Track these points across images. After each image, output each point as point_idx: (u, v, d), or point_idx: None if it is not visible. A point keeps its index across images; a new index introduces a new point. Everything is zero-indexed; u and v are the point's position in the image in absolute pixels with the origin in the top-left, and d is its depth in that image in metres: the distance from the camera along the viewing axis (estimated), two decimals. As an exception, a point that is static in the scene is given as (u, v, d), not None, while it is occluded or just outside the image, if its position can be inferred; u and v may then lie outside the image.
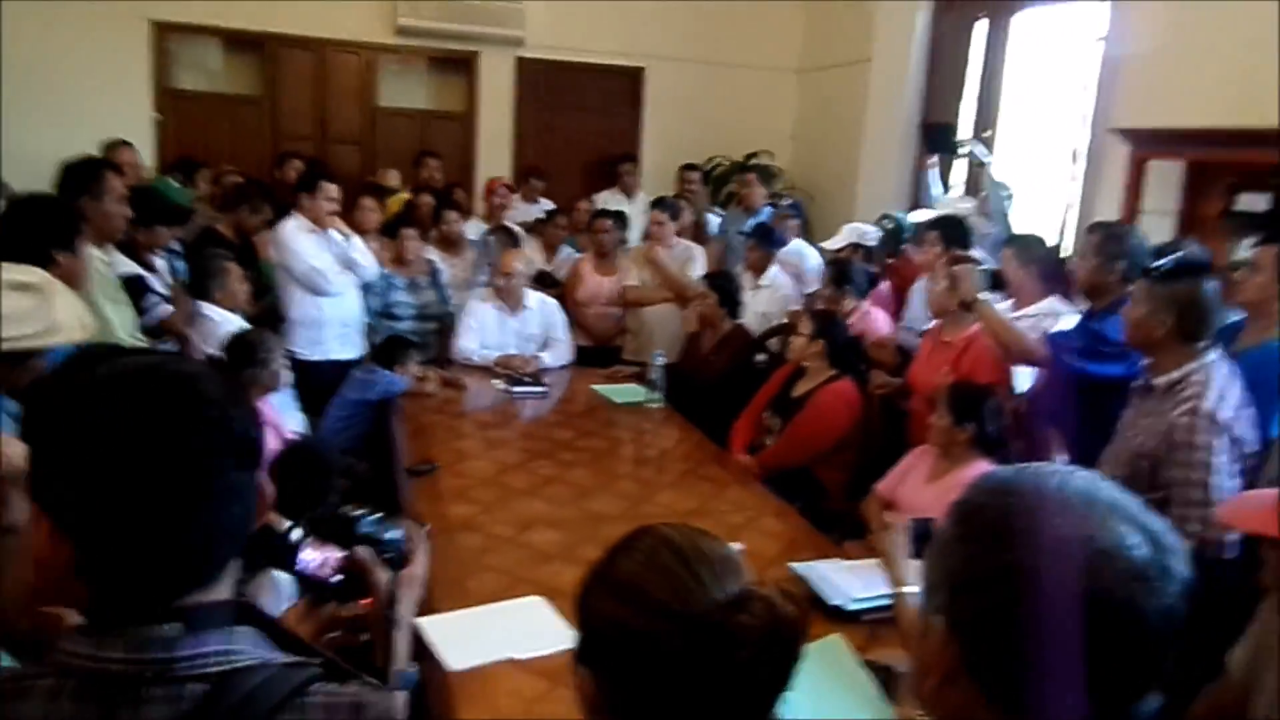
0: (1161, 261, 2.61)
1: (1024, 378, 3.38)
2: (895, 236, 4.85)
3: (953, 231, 4.12)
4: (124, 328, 3.05)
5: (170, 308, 3.56)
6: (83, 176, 3.10)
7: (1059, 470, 0.81)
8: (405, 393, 3.99)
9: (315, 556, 1.29)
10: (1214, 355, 2.43)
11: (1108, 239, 3.12)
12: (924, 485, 2.90)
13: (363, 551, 1.27)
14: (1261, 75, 3.76)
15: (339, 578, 1.29)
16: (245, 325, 3.70)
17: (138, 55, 6.47)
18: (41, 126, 5.77)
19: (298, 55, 6.91)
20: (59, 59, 6.16)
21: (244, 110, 6.94)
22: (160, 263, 3.79)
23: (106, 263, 3.11)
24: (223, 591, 0.94)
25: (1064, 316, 3.46)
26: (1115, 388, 2.75)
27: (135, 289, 3.36)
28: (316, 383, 4.04)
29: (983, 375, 3.20)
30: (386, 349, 4.19)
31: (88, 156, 3.32)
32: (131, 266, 3.44)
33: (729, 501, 3.06)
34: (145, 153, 6.00)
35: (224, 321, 3.68)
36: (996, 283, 3.57)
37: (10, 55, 5.92)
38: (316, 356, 4.31)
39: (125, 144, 5.19)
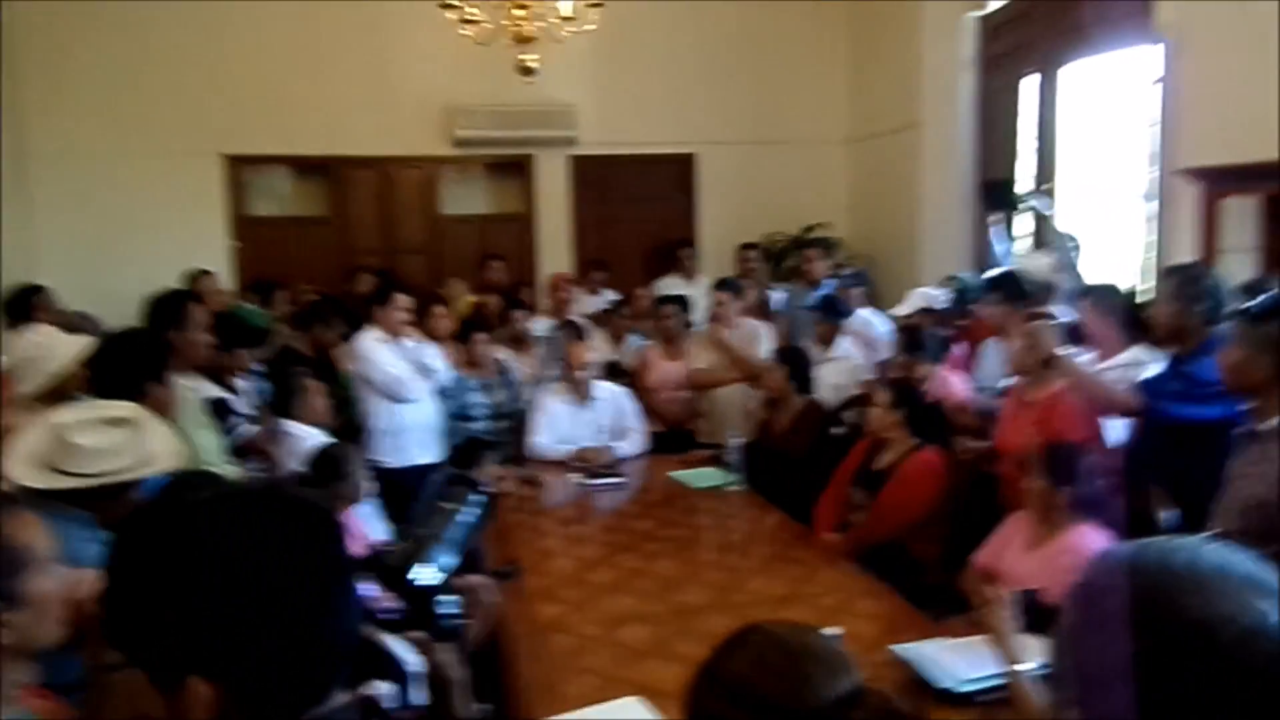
0: (1253, 302, 2.51)
1: (1116, 430, 3.25)
2: (963, 297, 4.79)
3: (1012, 288, 4.06)
4: (212, 452, 3.13)
5: (254, 428, 3.65)
6: (167, 309, 3.24)
7: (1184, 545, 0.76)
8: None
9: (371, 589, 1.29)
10: (1321, 394, 2.30)
11: (1185, 281, 3.07)
12: (1025, 553, 2.78)
13: (424, 640, 1.28)
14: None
15: (389, 615, 1.30)
16: (328, 439, 3.77)
17: (212, 188, 6.83)
18: (127, 262, 6.10)
19: (362, 174, 7.22)
20: (140, 198, 6.54)
21: (314, 230, 7.24)
22: (243, 384, 3.90)
23: (192, 389, 3.22)
24: (341, 693, 0.95)
25: (1150, 365, 3.34)
26: (1215, 431, 2.63)
27: (219, 412, 3.46)
28: (400, 490, 4.09)
29: (1072, 433, 3.08)
30: (464, 452, 4.24)
31: (171, 289, 3.48)
32: (215, 390, 3.56)
33: (821, 584, 2.98)
34: (224, 278, 6.29)
35: (307, 437, 3.75)
36: (1074, 336, 3.48)
37: (95, 199, 6.32)
38: (400, 463, 4.38)
39: (206, 273, 5.43)
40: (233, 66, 6.67)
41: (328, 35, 6.80)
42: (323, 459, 3.28)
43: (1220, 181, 4.01)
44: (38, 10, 6.08)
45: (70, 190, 6.40)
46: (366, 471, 3.36)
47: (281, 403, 3.91)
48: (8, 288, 4.88)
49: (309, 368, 4.28)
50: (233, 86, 6.68)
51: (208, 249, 6.55)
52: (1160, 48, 4.57)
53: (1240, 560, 0.74)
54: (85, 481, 2.00)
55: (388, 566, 1.25)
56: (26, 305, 4.54)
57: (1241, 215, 3.96)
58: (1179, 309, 3.02)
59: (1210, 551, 0.75)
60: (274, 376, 4.25)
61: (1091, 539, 2.66)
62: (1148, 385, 3.02)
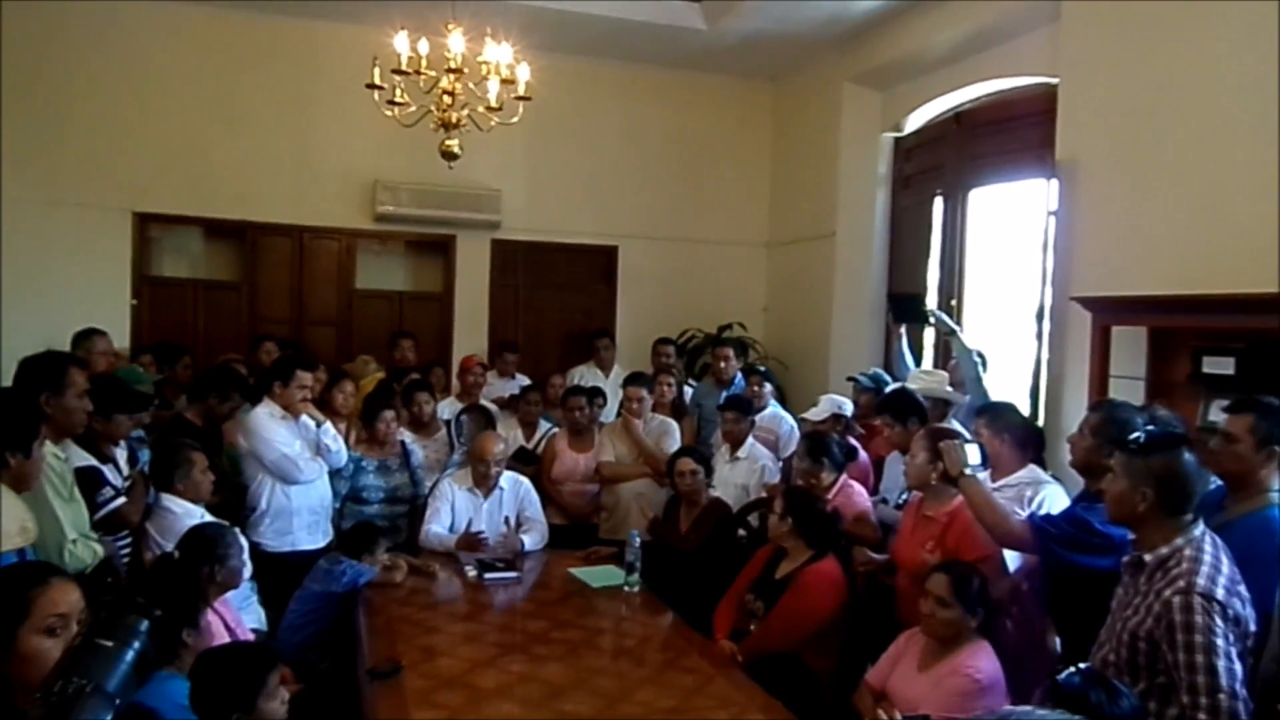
0: (1136, 434, 2.55)
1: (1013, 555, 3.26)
2: (878, 392, 4.82)
3: (899, 407, 4.13)
4: (75, 526, 2.93)
5: (124, 500, 3.43)
6: (44, 373, 3.05)
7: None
8: (372, 583, 3.82)
9: None
10: (1200, 529, 2.35)
11: (1107, 421, 2.99)
12: (916, 674, 2.76)
13: None
14: (1212, 243, 3.89)
15: None
16: (207, 517, 3.57)
17: (119, 244, 6.56)
18: (21, 315, 5.80)
19: (277, 241, 7.05)
20: (41, 248, 6.23)
21: (222, 294, 7.02)
22: (119, 452, 3.68)
23: (62, 459, 3.02)
24: None
25: (1045, 486, 3.39)
26: (1103, 578, 2.62)
27: (90, 482, 3.25)
28: (281, 575, 3.89)
29: (969, 551, 3.10)
30: (354, 537, 4.04)
31: (49, 351, 3.27)
32: (85, 458, 3.34)
33: (712, 697, 2.88)
34: (122, 337, 6.01)
35: (185, 514, 3.54)
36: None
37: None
38: (284, 548, 4.17)
39: (98, 333, 5.15)
40: (152, 122, 6.52)
41: (253, 100, 6.73)
42: (197, 539, 3.08)
43: (1109, 311, 4.18)
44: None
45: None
46: (244, 557, 3.16)
47: (162, 475, 3.69)
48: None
49: (196, 439, 4.07)
50: (150, 143, 6.52)
51: (109, 306, 6.27)
52: (1054, 182, 4.82)
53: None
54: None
55: None
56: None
57: (1130, 342, 4.13)
58: (1095, 444, 2.96)
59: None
60: (158, 445, 4.03)
61: (982, 662, 2.65)
62: (1042, 525, 2.94)
